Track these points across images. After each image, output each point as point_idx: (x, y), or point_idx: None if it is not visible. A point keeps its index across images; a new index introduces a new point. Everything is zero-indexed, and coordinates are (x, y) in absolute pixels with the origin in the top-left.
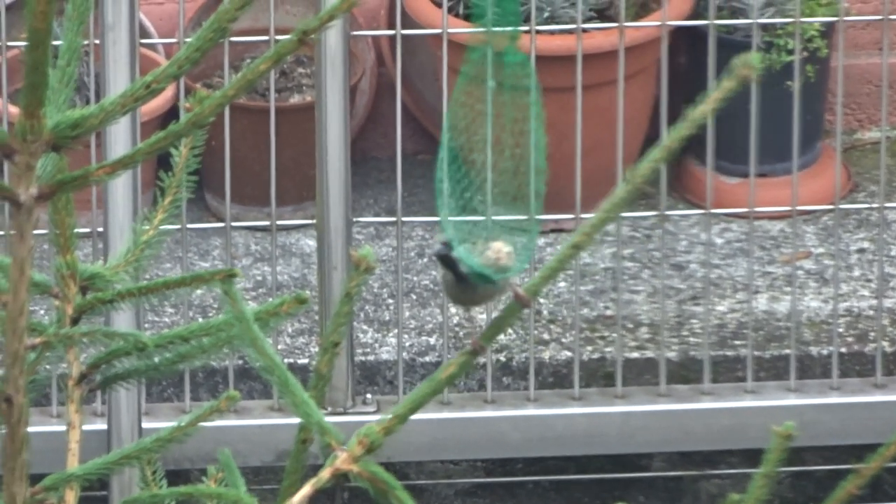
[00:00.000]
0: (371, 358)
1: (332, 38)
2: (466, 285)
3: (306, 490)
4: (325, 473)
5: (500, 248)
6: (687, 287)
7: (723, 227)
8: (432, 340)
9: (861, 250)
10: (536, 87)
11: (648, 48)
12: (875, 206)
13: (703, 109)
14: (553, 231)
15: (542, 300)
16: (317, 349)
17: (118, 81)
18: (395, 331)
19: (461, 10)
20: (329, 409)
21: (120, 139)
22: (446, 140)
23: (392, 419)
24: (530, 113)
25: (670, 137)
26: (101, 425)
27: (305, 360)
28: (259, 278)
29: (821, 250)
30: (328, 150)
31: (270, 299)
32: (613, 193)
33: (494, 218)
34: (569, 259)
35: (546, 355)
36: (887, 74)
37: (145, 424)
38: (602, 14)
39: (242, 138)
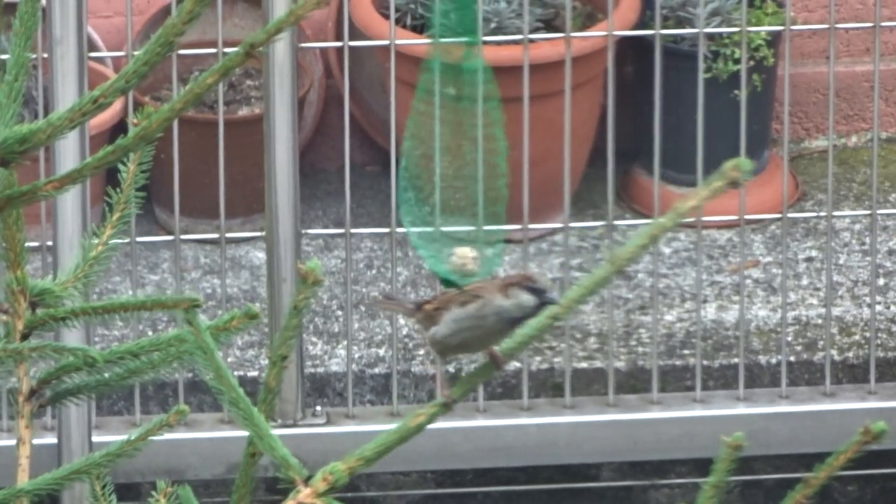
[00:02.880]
0: (321, 370)
1: (280, 51)
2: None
3: None
4: None
5: (466, 254)
6: (635, 297)
7: (670, 236)
8: (381, 352)
9: (809, 259)
10: (494, 95)
11: (595, 58)
12: (823, 214)
13: (691, 205)
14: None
15: None
16: (266, 361)
17: (66, 95)
18: (345, 342)
19: (409, 22)
20: (279, 421)
21: (69, 153)
22: (407, 151)
23: (357, 460)
24: (488, 119)
25: (654, 226)
26: (51, 439)
27: (255, 373)
28: (209, 291)
29: (769, 259)
30: (277, 162)
31: (220, 312)
32: (596, 272)
33: (446, 229)
34: (546, 329)
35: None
36: (834, 83)
37: (96, 438)
38: (549, 24)
39: (191, 151)
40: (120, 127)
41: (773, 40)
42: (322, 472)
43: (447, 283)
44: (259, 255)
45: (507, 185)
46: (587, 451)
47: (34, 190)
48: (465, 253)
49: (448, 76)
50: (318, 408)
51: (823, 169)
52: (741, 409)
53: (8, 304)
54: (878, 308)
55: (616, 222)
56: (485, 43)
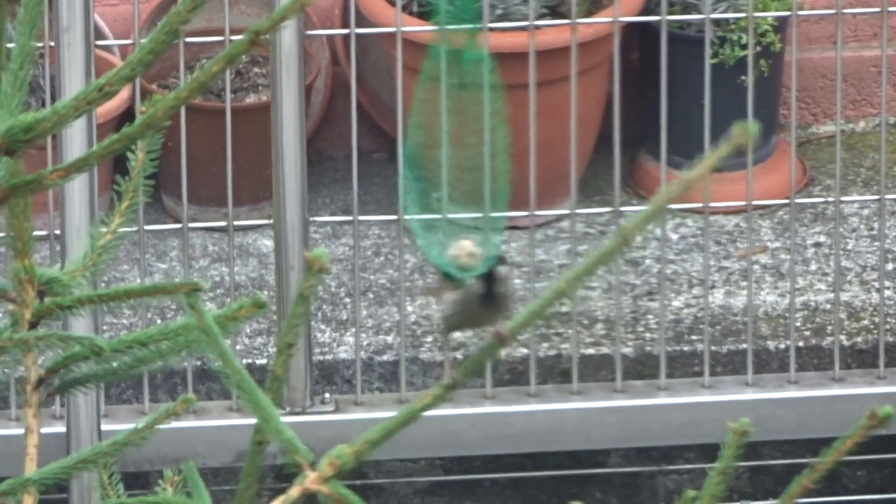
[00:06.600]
0: (329, 357)
1: (287, 38)
2: (491, 304)
3: None
4: (293, 492)
5: (463, 247)
6: (642, 283)
7: (678, 222)
8: (390, 339)
9: (817, 244)
10: (495, 85)
11: (601, 44)
12: (831, 199)
13: (698, 173)
14: (508, 228)
15: None
16: (275, 350)
17: (73, 83)
18: (353, 330)
19: (415, 9)
20: (287, 409)
21: (76, 141)
22: (410, 139)
23: (364, 444)
24: (489, 110)
25: (661, 197)
26: (60, 428)
27: (264, 361)
28: (217, 279)
29: (776, 245)
30: (284, 149)
31: (228, 300)
32: (602, 245)
33: (452, 216)
34: (551, 303)
35: (502, 352)
36: (841, 68)
37: (104, 426)
38: (554, 11)
39: (198, 139)
40: (127, 115)
41: (780, 25)
42: (328, 457)
43: (446, 275)
44: (267, 243)
45: (509, 182)
46: (595, 438)
47: (40, 178)
48: (464, 247)
49: (449, 64)
50: (327, 395)
51: (831, 154)
52: (749, 395)
53: (15, 293)
54: (887, 293)
55: (622, 208)
56: (490, 30)
